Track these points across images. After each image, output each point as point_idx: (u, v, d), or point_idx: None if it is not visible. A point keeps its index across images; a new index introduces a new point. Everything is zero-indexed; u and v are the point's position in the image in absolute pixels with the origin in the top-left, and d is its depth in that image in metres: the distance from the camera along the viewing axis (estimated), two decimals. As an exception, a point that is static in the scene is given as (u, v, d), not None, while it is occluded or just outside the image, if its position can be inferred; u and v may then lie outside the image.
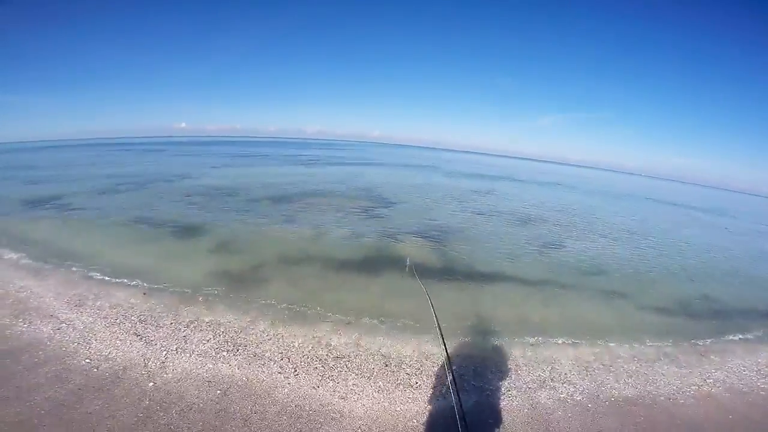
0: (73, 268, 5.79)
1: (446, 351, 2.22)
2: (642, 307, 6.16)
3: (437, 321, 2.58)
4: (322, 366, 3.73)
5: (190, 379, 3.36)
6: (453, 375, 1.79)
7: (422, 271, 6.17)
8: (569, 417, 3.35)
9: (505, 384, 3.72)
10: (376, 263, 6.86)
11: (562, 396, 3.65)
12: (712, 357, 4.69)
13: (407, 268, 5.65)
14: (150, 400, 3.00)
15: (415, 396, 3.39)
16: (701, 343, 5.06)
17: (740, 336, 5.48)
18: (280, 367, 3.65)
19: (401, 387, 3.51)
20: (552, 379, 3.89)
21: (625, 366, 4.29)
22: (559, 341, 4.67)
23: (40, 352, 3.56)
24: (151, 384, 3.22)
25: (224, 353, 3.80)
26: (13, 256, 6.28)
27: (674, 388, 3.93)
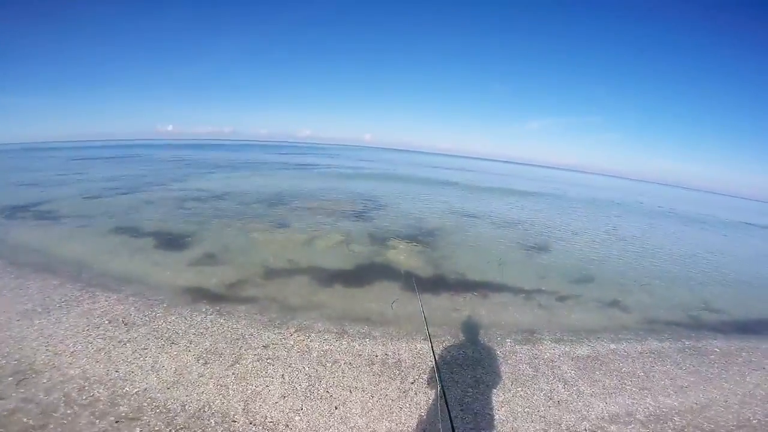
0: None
1: (436, 362, 2.17)
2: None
3: (429, 335, 2.56)
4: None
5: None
6: (442, 387, 1.77)
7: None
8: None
9: (500, 392, 3.67)
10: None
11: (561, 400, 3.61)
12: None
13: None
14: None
15: (401, 408, 3.29)
16: None
17: None
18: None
19: (388, 398, 3.41)
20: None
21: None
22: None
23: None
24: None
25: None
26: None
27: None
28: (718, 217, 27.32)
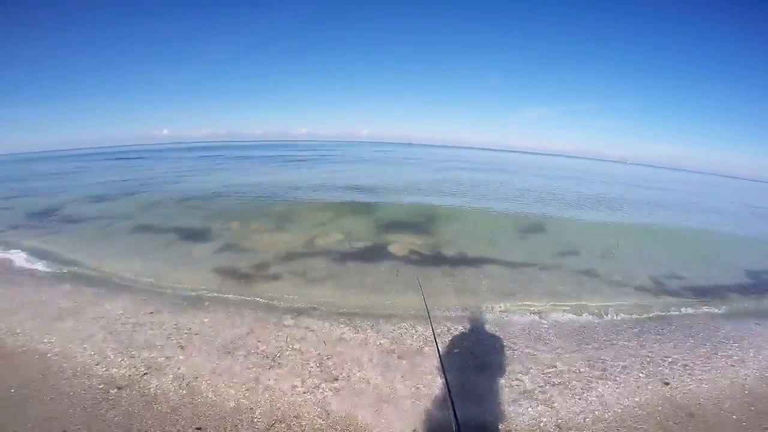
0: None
1: (439, 352, 2.26)
2: None
3: (429, 315, 2.75)
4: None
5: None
6: (445, 375, 1.81)
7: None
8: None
9: (503, 375, 3.79)
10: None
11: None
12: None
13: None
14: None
15: (410, 393, 3.44)
16: None
17: None
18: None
19: (398, 384, 3.56)
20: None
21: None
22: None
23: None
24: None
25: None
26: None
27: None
28: None
